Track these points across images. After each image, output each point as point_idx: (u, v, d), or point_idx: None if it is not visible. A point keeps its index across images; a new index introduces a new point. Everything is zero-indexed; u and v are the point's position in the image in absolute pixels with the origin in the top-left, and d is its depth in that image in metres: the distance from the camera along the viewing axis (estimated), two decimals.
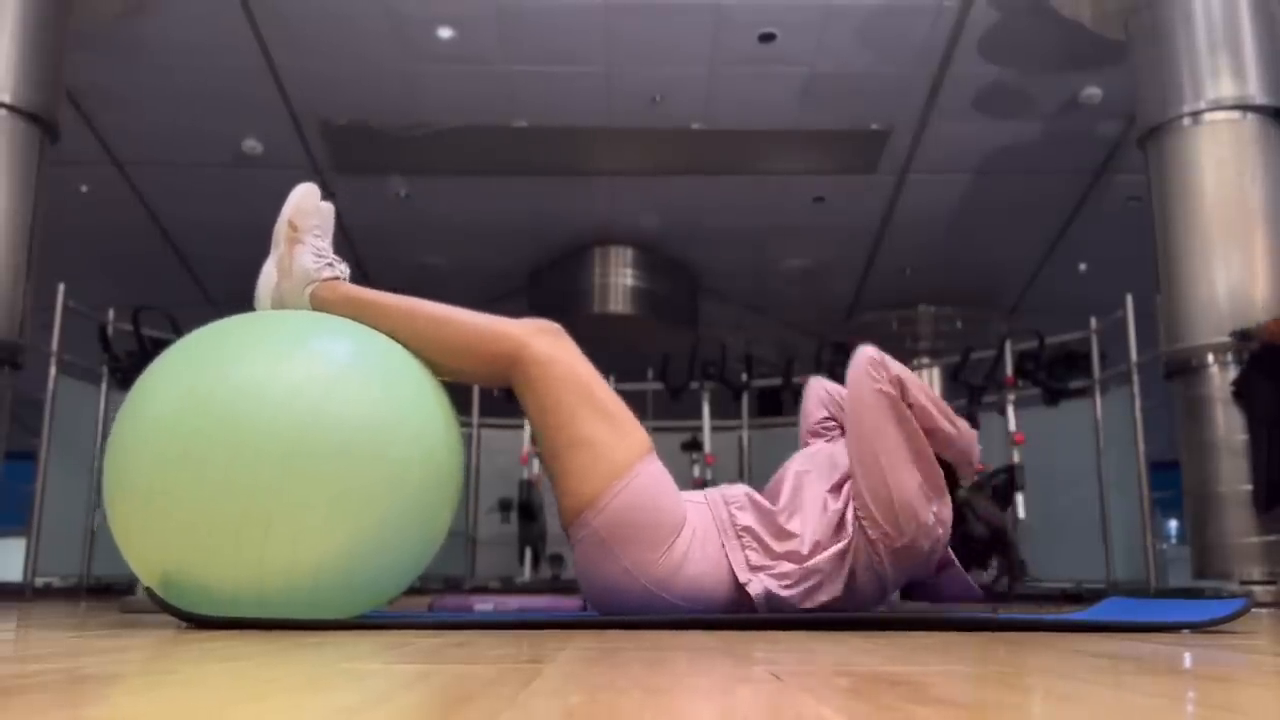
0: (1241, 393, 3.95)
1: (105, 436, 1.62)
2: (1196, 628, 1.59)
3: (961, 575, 1.81)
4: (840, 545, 1.69)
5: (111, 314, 5.63)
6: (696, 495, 1.80)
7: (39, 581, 4.88)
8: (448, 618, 1.72)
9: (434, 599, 2.39)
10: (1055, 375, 5.87)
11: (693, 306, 8.51)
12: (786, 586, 1.67)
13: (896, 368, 1.72)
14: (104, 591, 4.90)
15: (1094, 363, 5.68)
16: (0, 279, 4.06)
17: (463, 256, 8.03)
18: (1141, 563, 4.98)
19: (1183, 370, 4.19)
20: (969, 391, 6.11)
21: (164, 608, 1.50)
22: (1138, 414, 5.13)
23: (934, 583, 1.86)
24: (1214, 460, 4.01)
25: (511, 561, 6.85)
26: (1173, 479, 4.49)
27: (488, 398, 7.03)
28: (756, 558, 1.69)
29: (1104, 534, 5.39)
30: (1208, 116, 4.28)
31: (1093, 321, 5.69)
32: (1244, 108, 4.24)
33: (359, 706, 0.69)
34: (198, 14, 5.30)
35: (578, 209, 7.41)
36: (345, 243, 7.43)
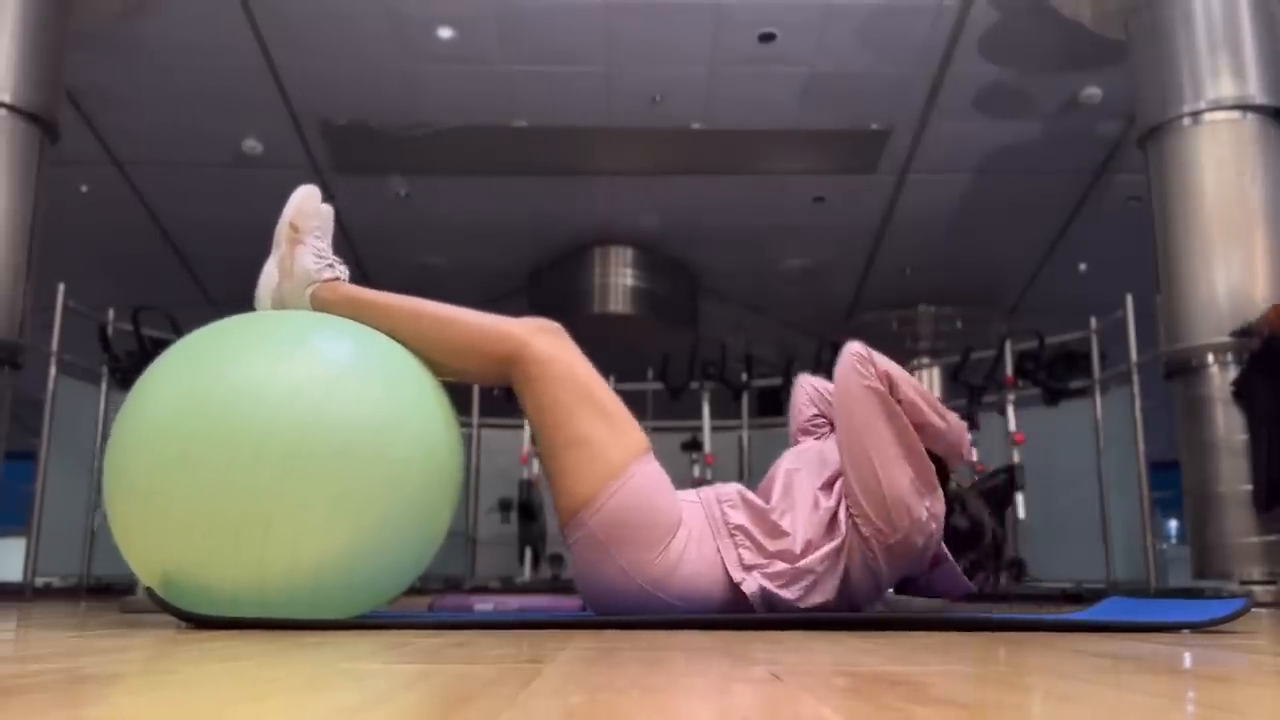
0: (1241, 393, 3.94)
1: (105, 436, 1.63)
2: (1196, 628, 1.59)
3: (954, 570, 1.81)
4: (834, 544, 1.69)
5: (111, 314, 5.63)
6: (690, 494, 1.80)
7: (39, 581, 4.88)
8: (448, 618, 1.72)
9: (434, 599, 2.39)
10: (1055, 375, 5.87)
11: (693, 306, 8.51)
12: (781, 585, 1.67)
13: (884, 363, 1.72)
14: (104, 591, 4.90)
15: (1094, 363, 5.68)
16: (0, 279, 4.06)
17: (463, 256, 8.03)
18: (1141, 563, 4.98)
19: (1183, 370, 4.19)
20: (969, 391, 6.11)
21: (164, 608, 1.50)
22: (1138, 414, 5.13)
23: (927, 578, 1.86)
24: (1214, 460, 4.01)
25: (511, 561, 6.85)
26: (1173, 479, 4.49)
27: (488, 398, 7.04)
28: (750, 556, 1.69)
29: (1104, 534, 5.39)
30: (1208, 116, 4.28)
31: (1093, 321, 5.69)
32: (1244, 108, 4.23)
33: (359, 706, 0.69)
34: (198, 14, 5.30)
35: (578, 209, 7.41)
36: (345, 243, 7.43)
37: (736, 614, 1.68)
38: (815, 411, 2.04)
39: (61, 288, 5.21)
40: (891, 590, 1.83)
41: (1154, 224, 4.44)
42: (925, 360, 8.55)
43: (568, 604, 2.21)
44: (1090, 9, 4.93)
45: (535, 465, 6.58)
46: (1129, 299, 5.18)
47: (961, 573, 1.78)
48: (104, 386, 5.52)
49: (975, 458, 1.91)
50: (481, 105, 6.17)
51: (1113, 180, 6.72)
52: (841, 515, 1.71)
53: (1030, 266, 8.00)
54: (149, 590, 1.53)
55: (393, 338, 1.72)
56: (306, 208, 1.86)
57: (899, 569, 1.72)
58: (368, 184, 6.99)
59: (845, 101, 6.09)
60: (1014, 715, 0.66)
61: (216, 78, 5.79)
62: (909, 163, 6.70)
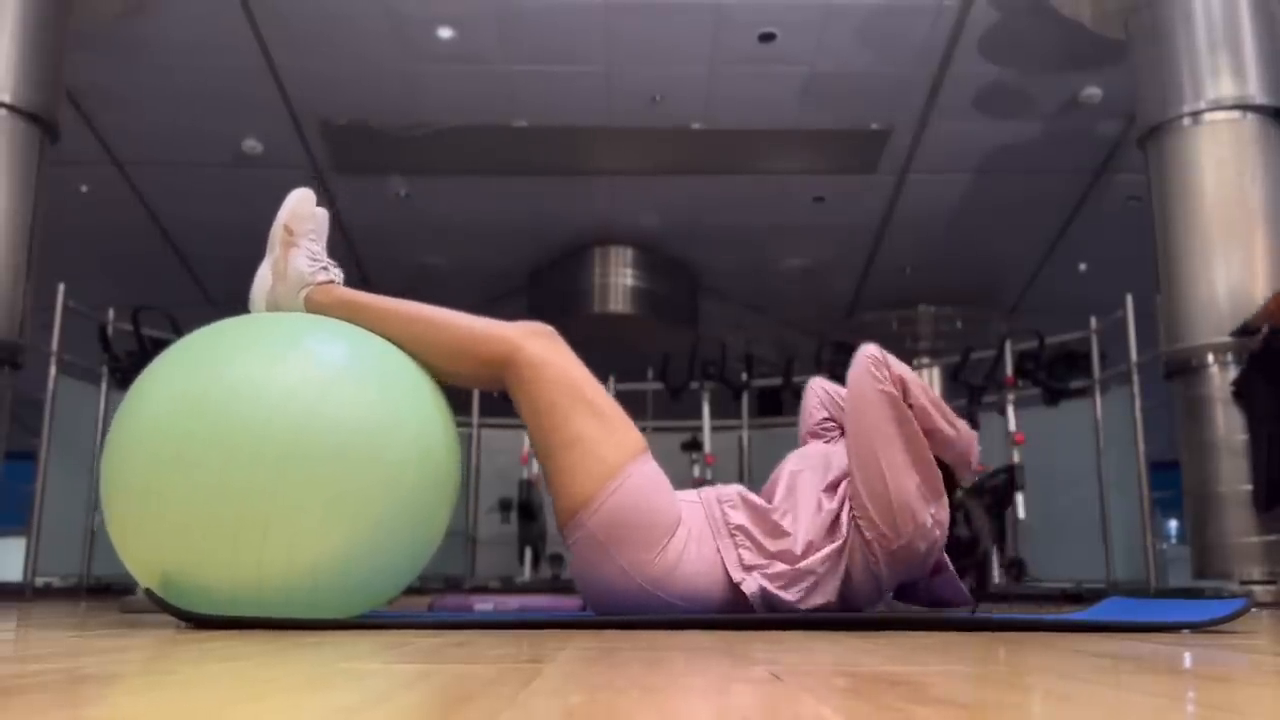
0: (1241, 393, 3.94)
1: (105, 436, 1.63)
2: (1196, 628, 1.59)
3: (954, 579, 1.81)
4: (835, 545, 1.69)
5: (111, 314, 5.63)
6: (690, 494, 1.80)
7: (39, 581, 4.88)
8: (448, 617, 1.72)
9: (434, 599, 2.39)
10: (1055, 375, 5.87)
11: (693, 306, 8.51)
12: (781, 586, 1.67)
13: (899, 367, 1.72)
14: (104, 591, 4.90)
15: (1094, 363, 5.68)
16: (0, 279, 4.06)
17: (463, 256, 8.04)
18: (1141, 563, 4.98)
19: (1183, 370, 4.19)
20: (969, 391, 6.11)
21: (163, 607, 1.50)
22: (1138, 414, 5.13)
23: (926, 586, 1.85)
24: (1214, 460, 4.01)
25: (511, 561, 6.86)
26: (1173, 479, 4.49)
27: (488, 398, 7.04)
28: (750, 557, 1.69)
29: (1104, 534, 5.39)
30: (1208, 116, 4.28)
31: (1093, 321, 5.69)
32: (1244, 108, 4.24)
33: (358, 706, 0.69)
34: (198, 14, 5.30)
35: (578, 209, 7.41)
36: (345, 243, 7.44)
37: (736, 614, 1.68)
38: (825, 415, 2.04)
39: (61, 288, 5.21)
40: (891, 596, 1.83)
41: (1154, 224, 4.45)
42: (925, 360, 8.55)
43: (568, 604, 2.21)
44: (1090, 9, 4.93)
45: (535, 465, 6.59)
46: (1129, 299, 5.18)
47: (961, 583, 1.78)
48: (104, 386, 5.52)
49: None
50: (481, 105, 6.17)
51: (1113, 180, 6.72)
52: (844, 517, 1.71)
53: (1030, 266, 8.00)
54: (148, 591, 1.53)
55: (386, 340, 1.73)
56: (301, 210, 1.86)
57: (900, 574, 1.72)
58: (368, 184, 6.99)
59: (845, 101, 6.09)
60: (1014, 715, 0.66)
61: (216, 78, 5.80)
62: (909, 163, 6.70)
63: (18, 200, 4.16)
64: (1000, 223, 7.36)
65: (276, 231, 1.84)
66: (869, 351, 1.73)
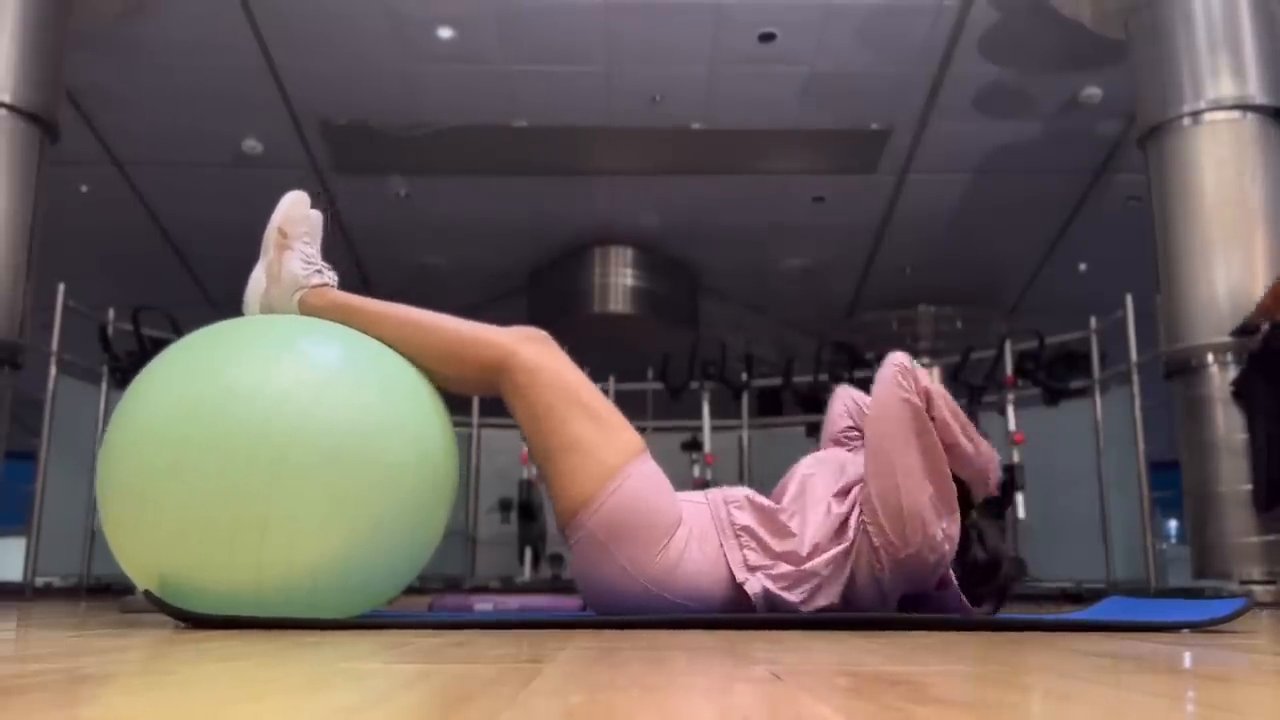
0: (1241, 393, 3.94)
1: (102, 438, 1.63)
2: (1196, 627, 1.59)
3: (959, 595, 1.81)
4: (841, 548, 1.69)
5: (111, 314, 5.63)
6: (697, 495, 1.80)
7: (39, 581, 4.88)
8: (448, 617, 1.72)
9: (434, 599, 2.39)
10: (1055, 375, 5.87)
11: (693, 306, 8.51)
12: (784, 588, 1.67)
13: (926, 379, 1.71)
14: (104, 591, 4.90)
15: (1094, 363, 5.68)
16: (0, 279, 4.06)
17: (463, 256, 8.04)
18: (1141, 563, 4.98)
19: (1183, 370, 4.19)
20: (969, 391, 6.11)
21: (161, 608, 1.50)
22: (1138, 414, 5.13)
23: (930, 599, 1.85)
24: (1214, 460, 4.01)
25: (511, 561, 6.86)
26: (1173, 479, 4.49)
27: (487, 398, 7.02)
28: (755, 557, 1.69)
29: (1104, 534, 5.39)
30: (1208, 116, 4.28)
31: (1093, 321, 5.69)
32: (1244, 108, 4.23)
33: (358, 706, 0.69)
34: (198, 14, 5.30)
35: (578, 209, 7.41)
36: (345, 243, 7.44)
37: (738, 614, 1.68)
38: (850, 424, 2.02)
39: (61, 288, 5.21)
40: (895, 608, 1.83)
41: (1154, 224, 4.45)
42: (925, 360, 8.55)
43: (568, 604, 2.21)
44: (1090, 9, 4.93)
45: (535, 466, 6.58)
46: (1129, 299, 5.18)
47: (965, 598, 1.77)
48: (104, 386, 5.52)
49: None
50: (481, 105, 6.17)
51: (1113, 180, 6.72)
52: (853, 521, 1.70)
53: (1030, 266, 8.00)
54: (146, 592, 1.53)
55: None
56: (295, 213, 1.87)
57: (904, 583, 1.71)
58: (368, 184, 6.99)
59: (845, 101, 6.09)
60: (1014, 715, 0.66)
61: (216, 78, 5.80)
62: (909, 163, 6.70)
63: (18, 200, 4.16)
64: (1000, 223, 7.36)
65: (270, 234, 1.85)
66: (897, 360, 1.72)
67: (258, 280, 1.84)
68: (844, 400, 2.07)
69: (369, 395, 1.61)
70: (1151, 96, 4.50)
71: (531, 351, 1.71)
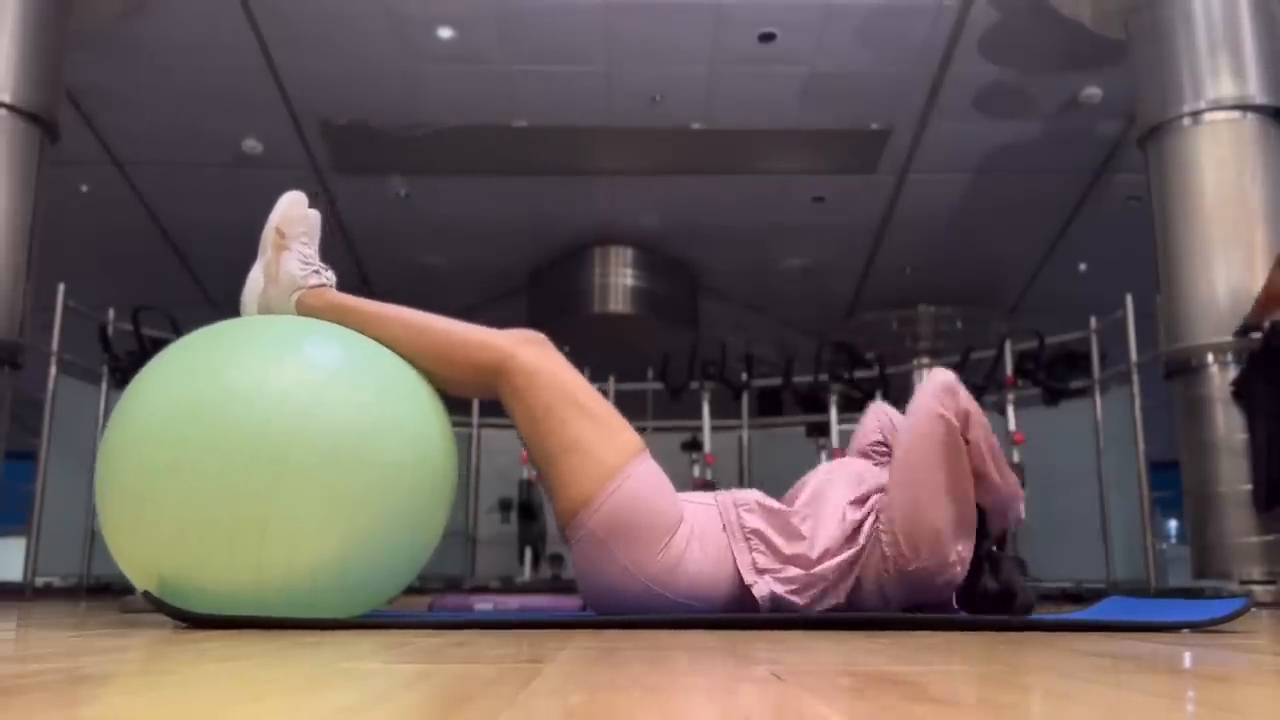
0: (1241, 393, 3.94)
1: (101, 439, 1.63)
2: (1196, 627, 1.59)
3: (960, 614, 1.80)
4: (851, 552, 1.69)
5: (111, 314, 5.63)
6: (705, 497, 1.81)
7: (39, 581, 4.88)
8: (448, 617, 1.72)
9: (434, 599, 2.39)
10: (1055, 375, 5.87)
11: (693, 306, 8.51)
12: (792, 591, 1.67)
13: (967, 401, 1.71)
14: (104, 591, 4.90)
15: (1094, 363, 5.68)
16: (0, 279, 4.06)
17: (463, 256, 8.04)
18: (1141, 563, 4.98)
19: (1183, 370, 4.19)
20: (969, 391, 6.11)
21: (161, 608, 1.50)
22: (1138, 414, 5.13)
23: (932, 607, 1.85)
24: (1214, 460, 4.01)
25: (511, 561, 6.85)
26: (1173, 479, 4.48)
27: (486, 399, 7.02)
28: (764, 561, 1.69)
29: (1104, 534, 5.39)
30: (1208, 116, 4.28)
31: (1093, 321, 5.69)
32: (1244, 108, 4.23)
33: (358, 706, 0.69)
34: (198, 14, 5.30)
35: (578, 209, 7.41)
36: (345, 243, 7.44)
37: (740, 613, 1.68)
38: (880, 439, 2.01)
39: (61, 288, 5.21)
40: None
41: (1154, 224, 4.44)
42: (925, 360, 8.54)
43: (568, 604, 2.21)
44: (1090, 9, 4.93)
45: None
46: (1129, 299, 5.18)
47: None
48: (104, 386, 5.52)
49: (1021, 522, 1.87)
50: (481, 105, 6.17)
51: (1113, 180, 6.72)
52: (866, 528, 1.70)
53: (1030, 266, 8.00)
54: (146, 593, 1.53)
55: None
56: (293, 213, 1.86)
57: (907, 594, 1.72)
58: (368, 184, 6.99)
59: (845, 101, 6.09)
60: (1014, 715, 0.66)
61: (216, 78, 5.80)
62: (909, 163, 6.70)
63: (18, 200, 4.16)
64: (1000, 223, 7.36)
65: (268, 234, 1.84)
66: (944, 378, 1.72)
67: (255, 280, 1.83)
68: (878, 415, 2.06)
69: (368, 395, 1.61)
70: (1151, 96, 4.50)
71: (529, 354, 1.71)
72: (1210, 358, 4.08)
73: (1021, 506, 1.82)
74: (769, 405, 7.66)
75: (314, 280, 1.81)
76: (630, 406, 5.96)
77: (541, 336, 1.76)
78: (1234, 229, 4.15)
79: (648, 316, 8.02)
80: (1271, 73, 4.28)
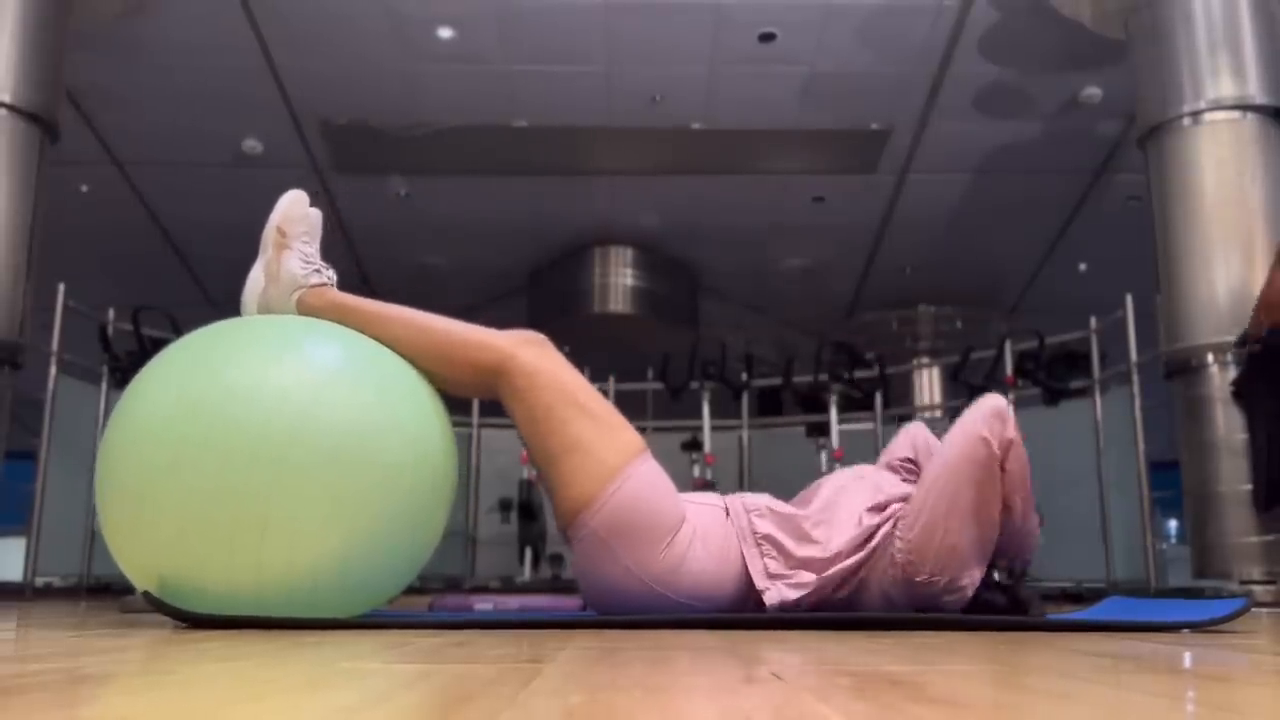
0: (1241, 393, 3.94)
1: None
2: (1196, 627, 1.59)
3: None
4: (861, 555, 1.69)
5: (111, 314, 5.62)
6: (710, 498, 1.81)
7: (39, 581, 4.87)
8: (448, 617, 1.72)
9: (434, 599, 2.39)
10: (1055, 375, 5.86)
11: (693, 306, 8.50)
12: (803, 595, 1.67)
13: (1013, 431, 1.70)
14: (104, 591, 4.90)
15: (1094, 363, 5.68)
16: (0, 279, 4.06)
17: (463, 256, 8.04)
18: (1141, 563, 4.98)
19: (1183, 370, 4.19)
20: (969, 391, 6.10)
21: (161, 608, 1.50)
22: (1138, 414, 5.13)
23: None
24: (1214, 460, 4.01)
25: (511, 561, 6.85)
26: (1173, 479, 4.48)
27: (486, 400, 7.01)
28: (776, 566, 1.70)
29: (1104, 534, 5.38)
30: (1208, 116, 4.28)
31: (1093, 321, 5.68)
32: (1244, 108, 4.23)
33: (358, 706, 0.69)
34: (198, 14, 5.30)
35: (578, 209, 7.41)
36: (345, 242, 7.44)
37: (740, 614, 1.68)
38: (910, 456, 2.00)
39: (61, 288, 5.20)
40: None
41: (1154, 224, 4.44)
42: (925, 360, 8.55)
43: (568, 604, 2.21)
44: (1090, 9, 4.93)
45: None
46: (1129, 299, 5.17)
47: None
48: (104, 386, 5.51)
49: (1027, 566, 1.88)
50: (481, 105, 6.17)
51: (1113, 180, 6.72)
52: (880, 534, 1.70)
53: (1030, 266, 8.00)
54: (145, 593, 1.53)
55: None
56: (293, 212, 1.86)
57: (910, 603, 1.72)
58: (368, 184, 6.99)
59: (845, 101, 6.09)
60: (1014, 715, 0.66)
61: (216, 78, 5.80)
62: (909, 163, 6.70)
63: (18, 200, 4.15)
64: (1000, 223, 7.36)
65: (269, 233, 1.84)
66: (996, 403, 1.71)
67: (256, 279, 1.83)
68: (914, 434, 2.04)
69: (368, 395, 1.61)
70: (1151, 96, 4.50)
71: (529, 354, 1.71)
72: (1210, 358, 4.08)
73: (1033, 550, 1.82)
74: (769, 405, 7.66)
75: (315, 279, 1.81)
76: (630, 406, 5.95)
77: (541, 337, 1.76)
78: (1234, 229, 4.15)
79: (648, 316, 8.02)
80: (1271, 73, 4.28)
